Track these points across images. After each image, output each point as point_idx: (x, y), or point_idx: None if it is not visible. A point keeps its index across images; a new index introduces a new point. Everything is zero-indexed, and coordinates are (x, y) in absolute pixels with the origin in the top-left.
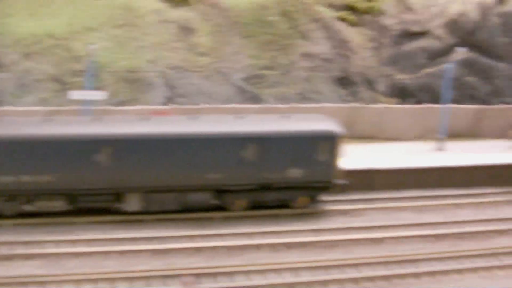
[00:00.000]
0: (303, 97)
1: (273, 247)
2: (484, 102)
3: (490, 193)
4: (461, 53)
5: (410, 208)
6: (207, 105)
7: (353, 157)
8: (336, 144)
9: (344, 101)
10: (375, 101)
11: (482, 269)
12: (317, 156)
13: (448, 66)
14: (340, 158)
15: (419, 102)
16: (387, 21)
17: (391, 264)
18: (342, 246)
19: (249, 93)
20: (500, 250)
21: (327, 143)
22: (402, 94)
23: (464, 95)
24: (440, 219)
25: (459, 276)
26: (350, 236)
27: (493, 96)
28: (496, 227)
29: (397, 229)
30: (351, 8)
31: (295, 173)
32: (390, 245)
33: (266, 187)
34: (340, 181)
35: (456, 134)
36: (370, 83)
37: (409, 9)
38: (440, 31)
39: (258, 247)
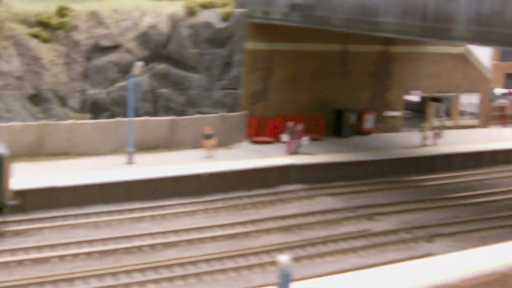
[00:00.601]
0: None
1: None
2: (179, 113)
3: (173, 205)
4: (140, 66)
5: (88, 224)
6: None
7: (39, 175)
8: (3, 165)
9: (36, 118)
10: (67, 117)
11: (137, 284)
12: None
13: (132, 79)
14: (9, 179)
15: (112, 116)
16: (79, 36)
17: (46, 284)
18: (5, 269)
19: None
20: (160, 264)
21: None
22: (95, 109)
23: (159, 107)
24: (116, 234)
25: None
26: (14, 258)
27: (188, 106)
28: (165, 240)
29: (68, 247)
30: (44, 24)
31: None
32: (54, 265)
33: None
34: (12, 202)
35: (151, 146)
36: (62, 100)
37: (100, 23)
38: (131, 45)
39: None
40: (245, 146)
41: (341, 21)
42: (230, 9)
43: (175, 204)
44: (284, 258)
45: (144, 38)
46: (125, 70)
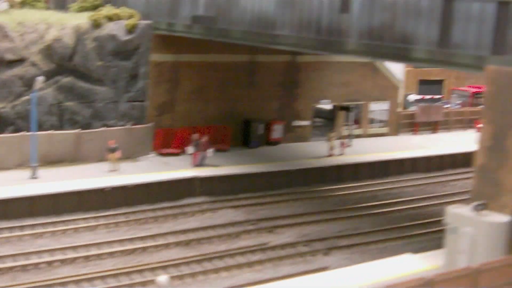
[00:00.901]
0: None
1: None
2: (86, 126)
3: (75, 220)
4: (41, 81)
5: None
6: None
7: None
8: None
9: None
10: None
11: None
12: None
13: (34, 94)
14: None
15: (17, 130)
16: None
17: None
18: None
19: None
20: (55, 281)
21: None
22: (0, 123)
23: (65, 120)
24: (14, 251)
25: None
26: None
27: (95, 119)
28: (63, 256)
29: None
30: None
31: None
32: None
33: None
34: None
35: (56, 160)
36: None
37: (5, 36)
38: (36, 58)
39: None
40: (152, 159)
41: (241, 34)
42: (135, 21)
43: (77, 219)
44: (163, 278)
45: (49, 51)
46: (30, 83)
